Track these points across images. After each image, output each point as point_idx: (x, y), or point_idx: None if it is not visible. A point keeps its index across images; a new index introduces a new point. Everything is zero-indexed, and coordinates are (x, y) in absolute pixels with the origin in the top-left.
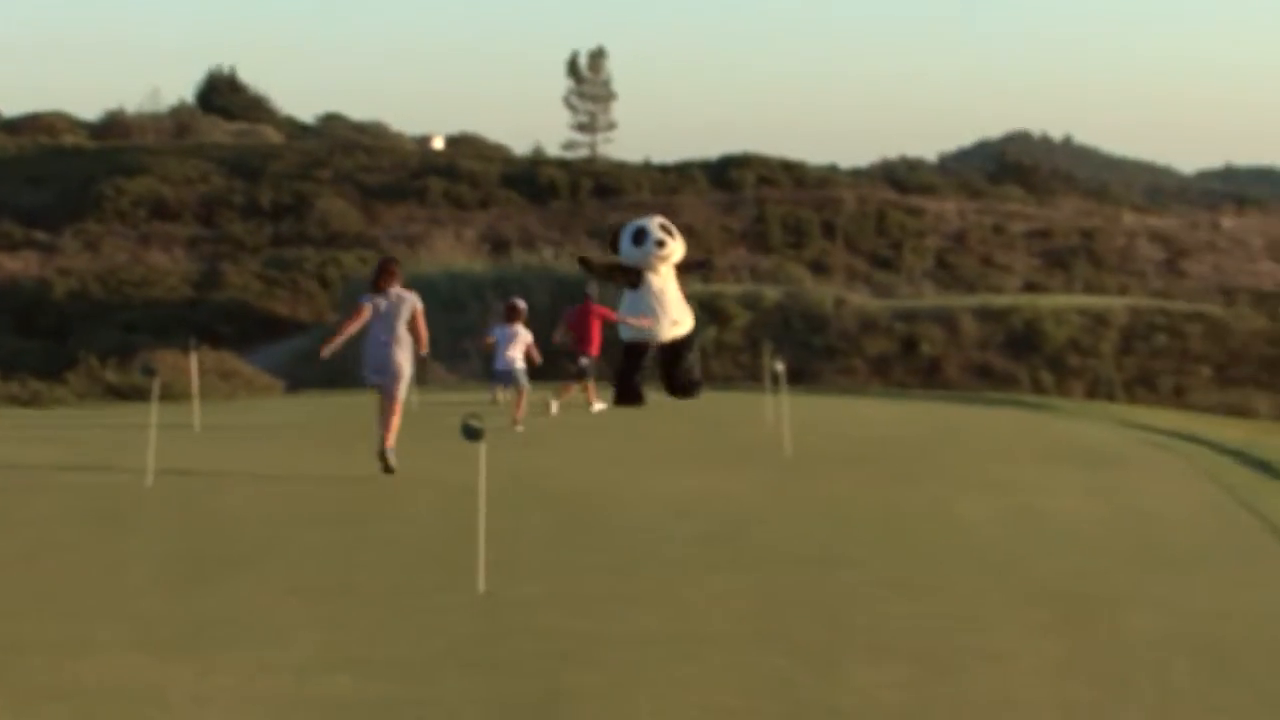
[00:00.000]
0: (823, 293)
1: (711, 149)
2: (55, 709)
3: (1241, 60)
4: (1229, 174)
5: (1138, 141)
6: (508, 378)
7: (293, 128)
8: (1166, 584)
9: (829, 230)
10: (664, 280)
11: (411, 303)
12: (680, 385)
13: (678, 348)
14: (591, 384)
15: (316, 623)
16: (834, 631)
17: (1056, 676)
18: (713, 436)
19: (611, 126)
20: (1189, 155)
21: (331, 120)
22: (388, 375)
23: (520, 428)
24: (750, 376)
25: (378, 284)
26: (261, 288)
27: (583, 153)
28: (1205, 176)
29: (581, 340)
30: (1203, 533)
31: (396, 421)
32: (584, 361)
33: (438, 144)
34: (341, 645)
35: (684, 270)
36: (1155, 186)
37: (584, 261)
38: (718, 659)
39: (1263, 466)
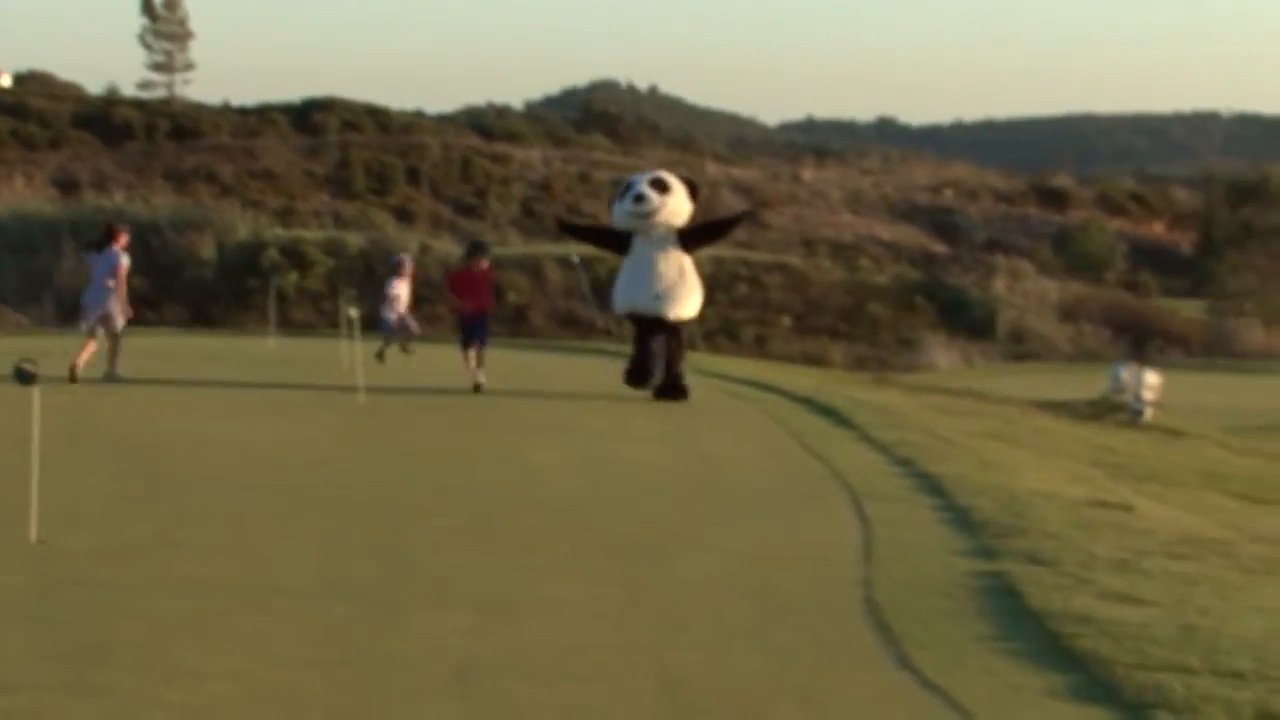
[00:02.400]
0: (406, 239)
1: (294, 92)
2: None
3: (824, 16)
4: (810, 126)
5: (722, 93)
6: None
7: None
8: (727, 528)
9: (414, 177)
10: (655, 246)
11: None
12: (665, 384)
13: (665, 332)
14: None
15: None
16: (398, 578)
17: (617, 621)
18: (288, 384)
19: (189, 67)
20: (772, 108)
21: None
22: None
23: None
24: (331, 323)
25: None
26: None
27: (160, 93)
28: (787, 129)
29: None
30: (767, 478)
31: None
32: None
33: (4, 81)
34: None
35: (697, 239)
36: (739, 138)
37: (564, 226)
38: (279, 607)
39: (829, 413)
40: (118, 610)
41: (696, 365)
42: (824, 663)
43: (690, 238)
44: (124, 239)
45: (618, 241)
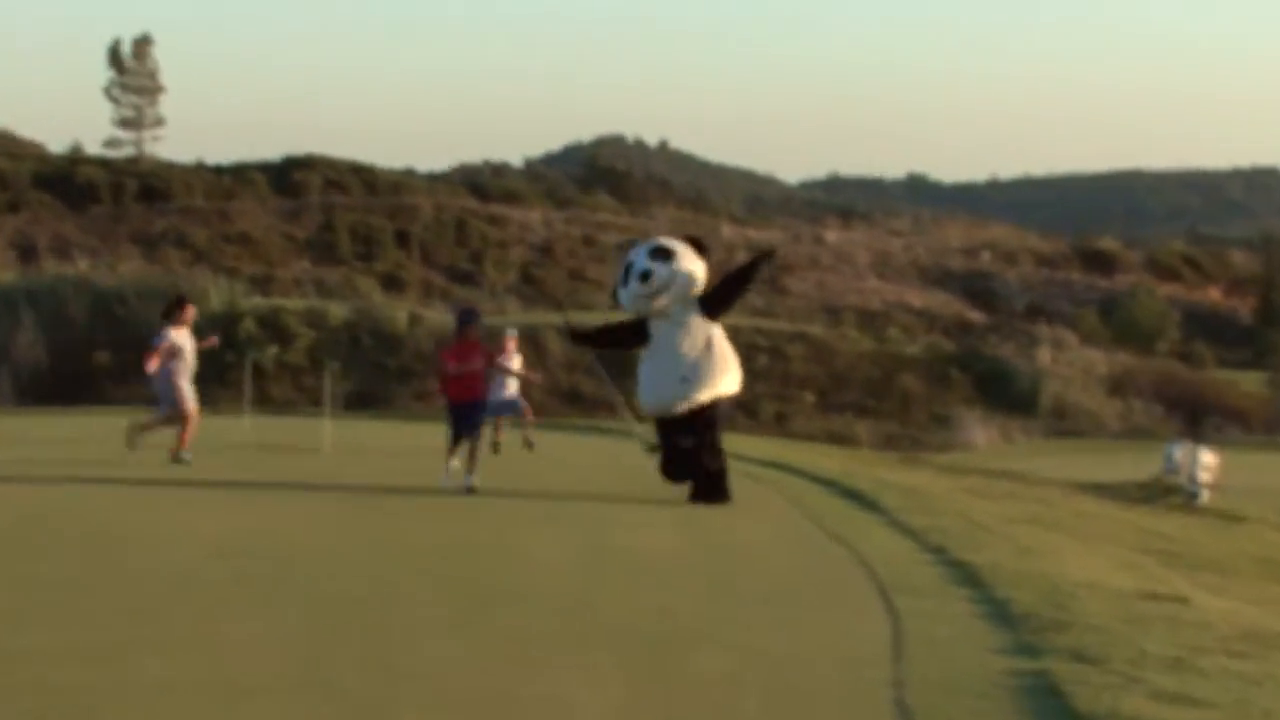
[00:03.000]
0: (395, 309)
1: (273, 149)
2: None
3: (848, 66)
4: (834, 184)
5: (737, 148)
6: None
7: None
8: (742, 623)
9: (403, 241)
10: (675, 325)
11: None
12: (700, 483)
13: (695, 423)
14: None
15: None
16: (382, 677)
17: None
18: (262, 468)
19: (159, 123)
20: (792, 164)
21: None
22: None
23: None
24: (314, 400)
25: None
26: None
27: (127, 151)
28: (809, 187)
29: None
30: (786, 568)
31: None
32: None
33: None
34: None
35: (722, 300)
36: (756, 196)
37: (575, 335)
38: (253, 710)
39: (854, 496)
40: (77, 714)
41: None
42: None
43: (713, 303)
44: (188, 313)
45: (635, 334)
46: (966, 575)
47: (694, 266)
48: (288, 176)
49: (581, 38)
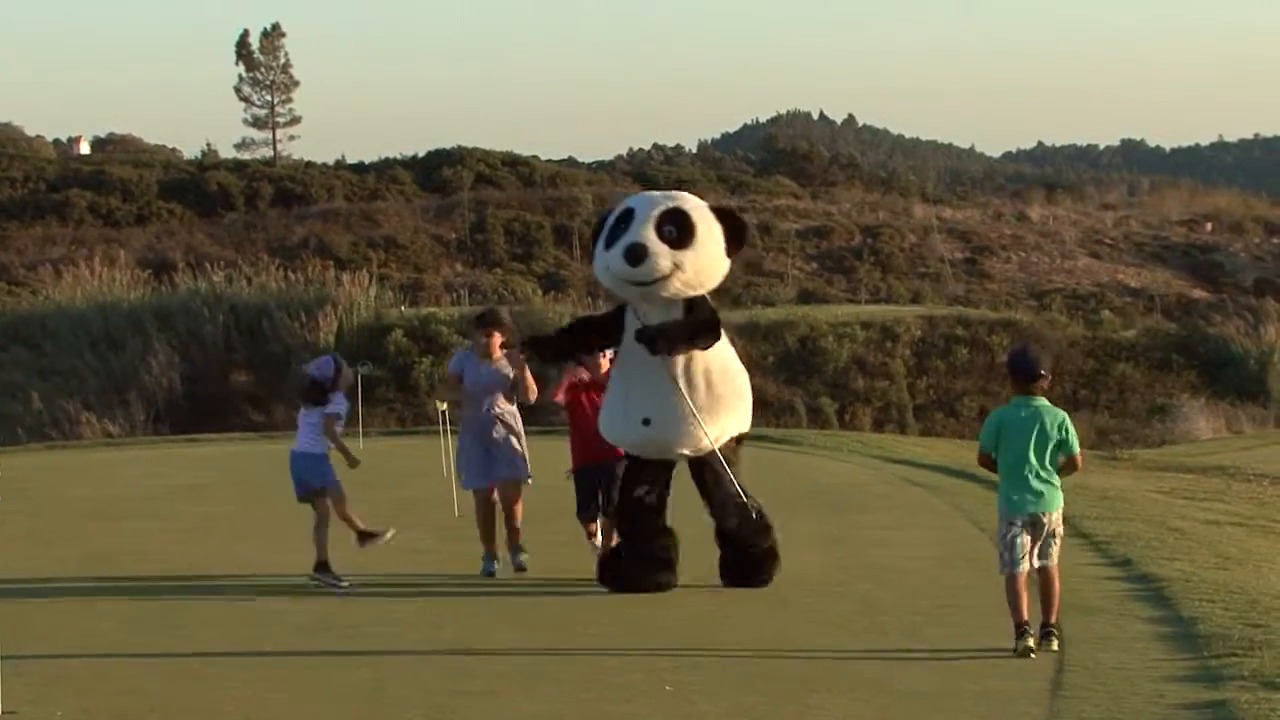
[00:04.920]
0: (557, 313)
1: (418, 144)
2: None
3: (1053, 28)
4: (1040, 154)
5: (934, 121)
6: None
7: None
8: (886, 658)
9: (564, 237)
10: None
11: None
12: (731, 562)
13: (701, 471)
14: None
15: None
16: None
17: None
18: (367, 498)
19: (294, 120)
20: (995, 136)
21: None
22: None
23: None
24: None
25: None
26: None
27: (262, 153)
28: (1013, 158)
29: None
30: (945, 590)
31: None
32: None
33: (83, 148)
34: None
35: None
36: (955, 172)
37: (533, 344)
38: None
39: None
40: None
41: (876, 449)
42: None
43: (662, 338)
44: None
45: (607, 328)
46: (1152, 590)
47: (711, 259)
48: (435, 172)
49: (759, 7)
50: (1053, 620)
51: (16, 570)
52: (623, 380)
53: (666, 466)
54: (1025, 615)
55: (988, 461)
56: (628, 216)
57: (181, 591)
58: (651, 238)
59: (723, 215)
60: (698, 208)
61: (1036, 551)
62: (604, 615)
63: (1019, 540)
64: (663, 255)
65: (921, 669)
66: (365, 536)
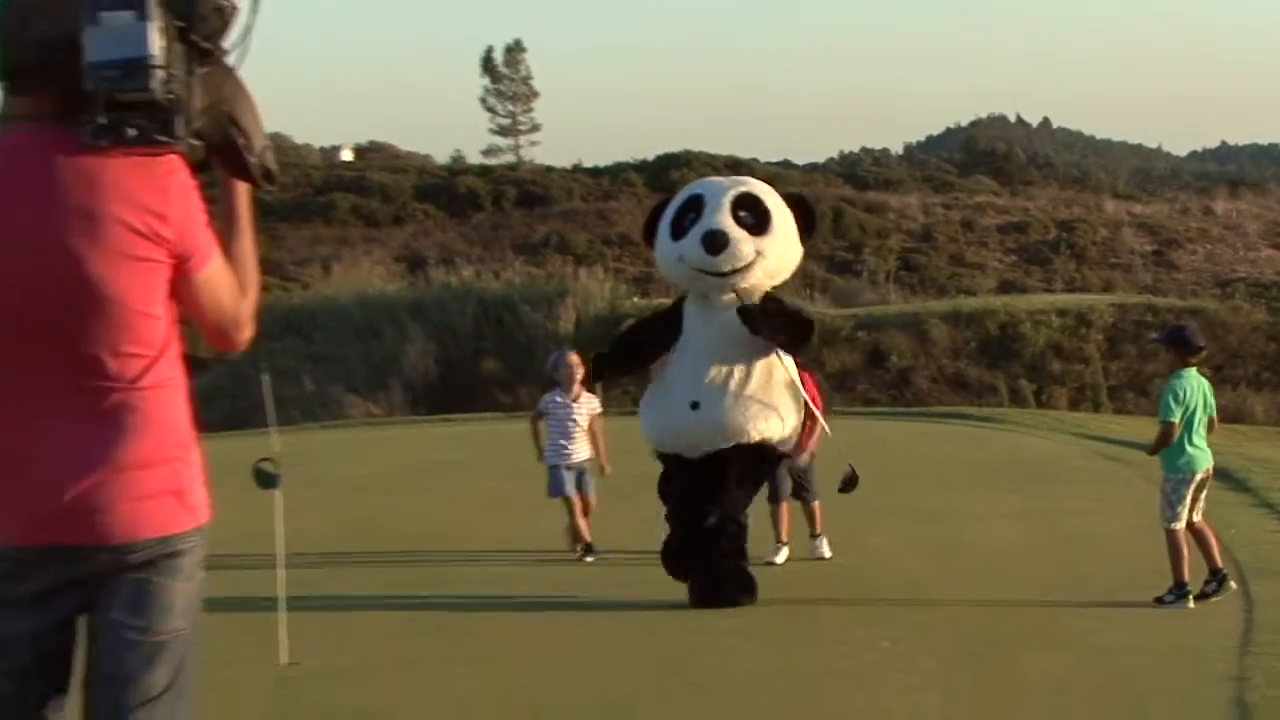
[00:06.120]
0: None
1: (648, 148)
2: None
3: (1238, 31)
4: (1224, 153)
5: (1124, 123)
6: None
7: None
8: (1080, 618)
9: None
10: (710, 319)
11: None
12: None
13: (726, 469)
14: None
15: None
16: (691, 693)
17: None
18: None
19: (535, 128)
20: (1181, 136)
21: None
22: None
23: None
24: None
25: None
26: None
27: (506, 159)
28: (1199, 157)
29: None
30: (1138, 556)
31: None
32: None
33: (346, 155)
34: None
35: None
36: (1144, 170)
37: (600, 360)
38: None
39: (1222, 476)
40: None
41: (1071, 426)
42: None
43: (765, 319)
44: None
45: (667, 326)
46: None
47: (790, 249)
48: (664, 175)
49: (962, 16)
50: (1220, 565)
51: (296, 535)
52: (671, 369)
53: (718, 464)
54: (1186, 574)
55: (1175, 430)
56: (696, 204)
57: (441, 558)
58: (730, 224)
59: (793, 201)
60: (769, 192)
61: (1196, 507)
62: (822, 575)
63: (1186, 496)
64: (744, 241)
65: (1119, 628)
66: (580, 541)
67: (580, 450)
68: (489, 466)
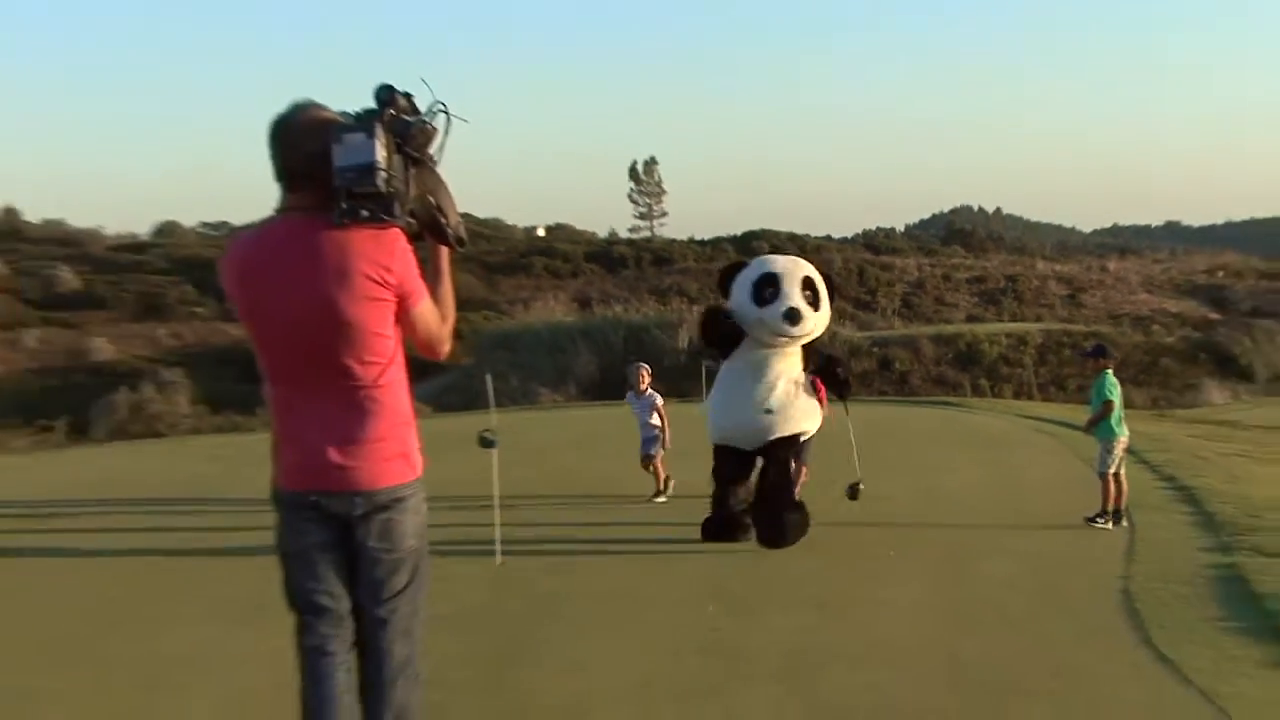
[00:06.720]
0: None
1: (737, 226)
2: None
3: (1130, 147)
4: (1116, 230)
5: (1050, 209)
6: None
7: None
8: (1021, 537)
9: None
10: (771, 354)
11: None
12: (763, 515)
13: (774, 451)
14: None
15: None
16: (755, 586)
17: (916, 615)
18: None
19: (664, 215)
20: (1087, 218)
21: (464, 218)
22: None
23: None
24: None
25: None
26: None
27: (644, 234)
28: (1098, 234)
29: None
30: (1059, 497)
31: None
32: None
33: (540, 232)
34: None
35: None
36: (1062, 243)
37: (710, 320)
38: (662, 607)
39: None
40: (546, 616)
41: (1015, 410)
42: (1080, 644)
43: (834, 382)
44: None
45: (733, 337)
46: (1187, 495)
47: (827, 316)
48: (747, 244)
49: (944, 139)
50: (1124, 507)
51: (505, 480)
52: (740, 380)
53: (768, 451)
54: (1110, 506)
55: (1113, 407)
56: (774, 281)
57: (603, 496)
58: (801, 303)
59: (827, 279)
60: (818, 275)
61: (1121, 463)
62: (849, 507)
63: (1118, 454)
64: (810, 319)
65: (1047, 543)
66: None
67: (650, 426)
68: (631, 436)
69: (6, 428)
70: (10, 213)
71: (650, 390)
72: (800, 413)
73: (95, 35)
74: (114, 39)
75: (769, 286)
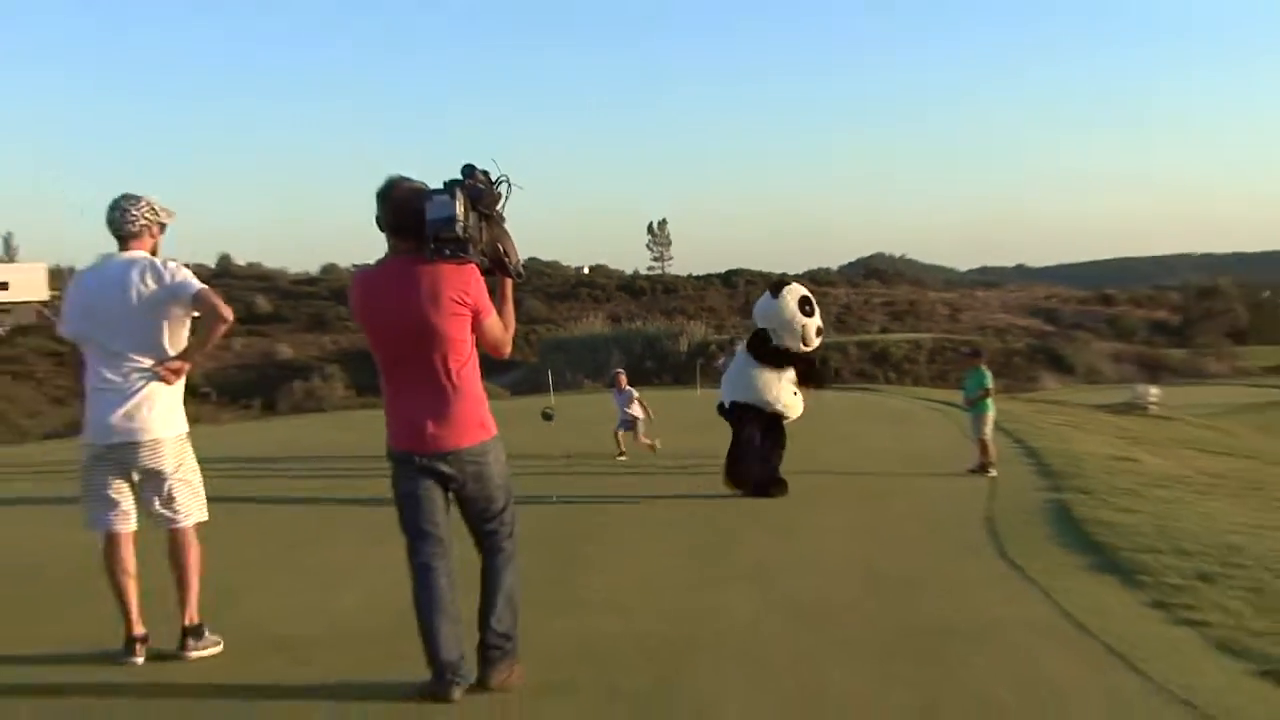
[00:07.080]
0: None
1: (724, 265)
2: None
3: (998, 205)
4: (986, 270)
5: (939, 252)
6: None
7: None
8: (918, 482)
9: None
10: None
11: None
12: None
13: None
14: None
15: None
16: (735, 518)
17: (848, 537)
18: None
19: (671, 258)
20: (963, 258)
21: (531, 260)
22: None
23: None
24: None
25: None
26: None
27: (657, 271)
28: (972, 272)
29: None
30: (944, 455)
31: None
32: None
33: (585, 270)
34: None
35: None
36: (946, 279)
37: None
38: (660, 530)
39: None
40: (588, 539)
41: (913, 394)
42: (956, 556)
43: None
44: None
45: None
46: (1030, 452)
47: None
48: (730, 279)
49: (868, 198)
50: (987, 461)
51: (558, 445)
52: (749, 366)
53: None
54: (988, 459)
55: (991, 391)
56: (811, 302)
57: (637, 461)
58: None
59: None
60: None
61: (989, 430)
62: (798, 464)
63: (990, 423)
64: (819, 333)
65: (937, 488)
66: (621, 452)
67: (631, 414)
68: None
69: (220, 406)
70: (225, 257)
71: (628, 387)
72: (786, 392)
73: (277, 130)
74: (287, 130)
75: (808, 304)
